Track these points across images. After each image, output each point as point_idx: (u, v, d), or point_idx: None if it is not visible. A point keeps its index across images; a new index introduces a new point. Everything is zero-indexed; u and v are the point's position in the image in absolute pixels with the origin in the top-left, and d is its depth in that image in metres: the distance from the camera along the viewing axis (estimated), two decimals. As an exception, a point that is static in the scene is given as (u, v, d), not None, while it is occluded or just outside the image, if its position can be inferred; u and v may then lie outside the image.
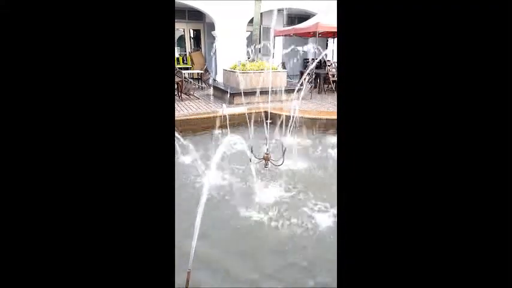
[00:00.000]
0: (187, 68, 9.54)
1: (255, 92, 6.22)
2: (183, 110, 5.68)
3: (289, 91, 6.52)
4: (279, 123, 4.23)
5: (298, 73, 8.37)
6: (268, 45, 9.24)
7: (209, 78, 8.06)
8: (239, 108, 5.37)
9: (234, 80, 6.61)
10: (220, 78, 8.54)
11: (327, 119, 4.85)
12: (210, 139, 4.34)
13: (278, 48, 10.65)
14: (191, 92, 6.83)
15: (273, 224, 2.33)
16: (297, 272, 1.85)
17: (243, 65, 6.66)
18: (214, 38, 9.09)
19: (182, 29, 10.25)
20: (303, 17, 10.04)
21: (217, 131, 4.70)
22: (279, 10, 8.62)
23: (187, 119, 4.73)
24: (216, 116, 4.84)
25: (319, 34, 7.81)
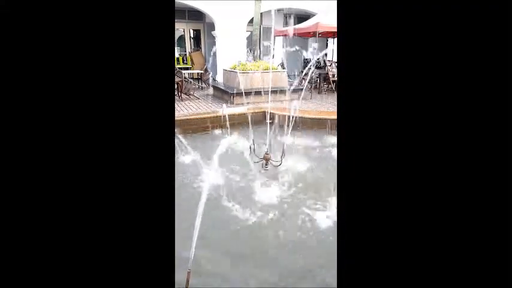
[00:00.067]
0: (187, 68, 9.55)
1: (255, 92, 6.22)
2: (183, 110, 5.68)
3: (289, 91, 6.52)
4: (279, 123, 4.24)
5: (298, 73, 8.38)
6: (268, 45, 9.25)
7: (209, 78, 8.07)
8: (239, 108, 5.37)
9: (234, 80, 6.61)
10: (220, 78, 8.54)
11: (326, 119, 4.85)
12: (210, 139, 4.34)
13: (278, 48, 10.65)
14: (191, 92, 6.84)
15: (273, 223, 2.33)
16: (296, 272, 1.85)
17: (243, 65, 6.66)
18: (214, 38, 9.08)
19: (182, 29, 10.25)
20: (303, 17, 10.04)
21: (217, 131, 4.70)
22: (278, 10, 8.63)
23: (187, 119, 4.72)
24: (216, 116, 4.84)
25: (319, 34, 7.81)
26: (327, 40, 10.76)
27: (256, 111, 5.14)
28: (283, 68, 7.54)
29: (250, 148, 3.13)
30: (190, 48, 10.62)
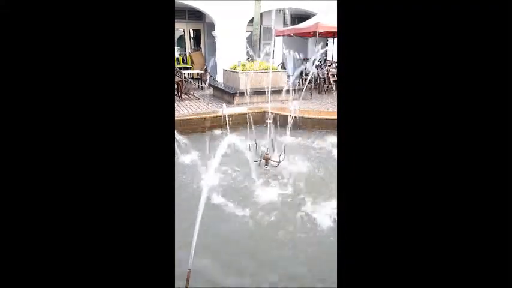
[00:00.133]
0: (187, 68, 9.55)
1: (255, 92, 6.22)
2: (183, 110, 5.68)
3: (289, 91, 6.51)
4: (278, 123, 4.24)
5: (298, 73, 8.37)
6: (268, 45, 9.25)
7: (207, 79, 8.07)
8: (239, 108, 5.37)
9: (234, 80, 6.61)
10: (220, 78, 8.54)
11: (326, 119, 4.85)
12: (210, 139, 4.34)
13: (278, 48, 10.65)
14: (191, 92, 6.83)
15: (273, 223, 2.33)
16: (296, 272, 1.85)
17: (243, 65, 6.66)
18: (214, 38, 9.08)
19: (182, 29, 10.25)
20: (303, 17, 10.04)
21: (217, 131, 4.70)
22: (279, 10, 8.63)
23: (187, 119, 4.72)
24: (216, 116, 4.84)
25: (319, 34, 7.81)
26: (327, 40, 10.76)
27: (256, 111, 5.14)
28: (284, 68, 7.53)
29: (249, 148, 3.13)
30: (190, 48, 10.61)
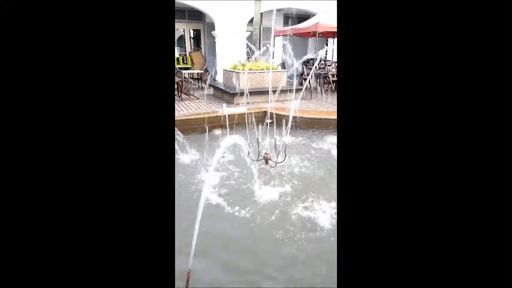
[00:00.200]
0: (187, 68, 9.55)
1: (255, 92, 6.22)
2: (183, 110, 5.68)
3: (289, 91, 6.52)
4: (278, 123, 4.23)
5: (298, 73, 8.37)
6: (268, 46, 9.24)
7: (207, 79, 8.07)
8: (239, 108, 5.37)
9: (234, 80, 6.61)
10: (220, 78, 8.54)
11: (327, 119, 4.85)
12: (209, 139, 4.34)
13: (278, 48, 10.65)
14: (191, 92, 6.84)
15: (273, 223, 2.33)
16: (296, 272, 1.85)
17: (243, 65, 6.66)
18: (214, 38, 9.08)
19: (182, 29, 10.25)
20: (303, 17, 10.04)
21: (217, 131, 4.70)
22: (278, 10, 8.62)
23: (187, 119, 4.73)
24: (216, 116, 4.84)
25: (319, 34, 7.82)
26: (327, 40, 10.76)
27: (256, 111, 5.14)
28: (284, 68, 7.54)
29: (249, 148, 3.13)
30: (190, 48, 10.62)
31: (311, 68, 7.17)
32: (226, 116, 4.27)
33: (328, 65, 8.16)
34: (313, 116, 4.96)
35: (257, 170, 3.00)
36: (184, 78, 6.88)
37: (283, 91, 6.42)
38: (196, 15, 9.71)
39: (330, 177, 3.17)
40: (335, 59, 9.03)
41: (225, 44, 8.79)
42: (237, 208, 2.50)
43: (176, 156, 3.54)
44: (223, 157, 3.50)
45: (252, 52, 6.96)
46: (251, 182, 2.95)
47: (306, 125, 4.80)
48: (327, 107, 6.11)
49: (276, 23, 10.42)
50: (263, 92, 6.27)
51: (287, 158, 3.09)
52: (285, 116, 4.53)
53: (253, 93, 6.18)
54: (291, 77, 7.57)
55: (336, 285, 0.88)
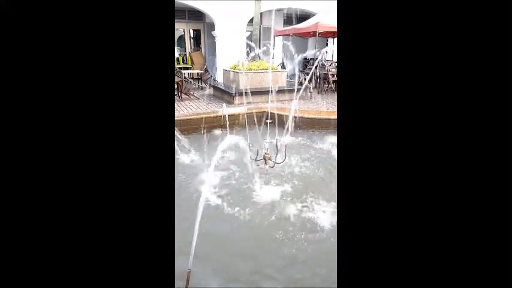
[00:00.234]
0: (187, 68, 9.55)
1: (255, 92, 6.22)
2: (183, 110, 5.68)
3: (289, 91, 6.52)
4: (278, 123, 4.24)
5: (298, 73, 8.37)
6: (268, 45, 9.25)
7: (208, 78, 8.07)
8: (239, 108, 5.37)
9: (234, 80, 6.61)
10: (220, 78, 8.54)
11: (327, 119, 4.85)
12: (209, 139, 4.34)
13: (278, 48, 10.65)
14: (191, 92, 6.83)
15: (273, 222, 2.33)
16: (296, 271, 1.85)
17: (243, 65, 6.66)
18: (214, 38, 9.08)
19: (182, 29, 10.25)
20: (303, 17, 10.04)
21: (217, 131, 4.70)
22: (278, 10, 8.62)
23: (187, 119, 4.73)
24: (216, 116, 4.84)
25: (319, 34, 7.81)
26: (327, 40, 10.76)
27: (256, 111, 5.14)
28: (284, 68, 7.54)
29: (249, 148, 3.13)
30: (190, 48, 10.61)
31: (311, 68, 7.17)
32: (227, 116, 4.27)
33: (328, 65, 8.16)
34: (313, 116, 4.96)
35: (257, 170, 3.00)
36: (184, 78, 6.88)
37: (283, 91, 6.42)
38: (196, 15, 9.71)
39: (330, 177, 3.17)
40: (335, 59, 9.03)
41: (225, 44, 8.79)
42: (237, 209, 2.50)
43: (176, 156, 3.54)
44: (222, 157, 3.50)
45: (252, 49, 6.96)
46: (251, 181, 2.95)
47: (306, 125, 4.80)
48: (327, 107, 6.11)
49: (276, 23, 10.42)
50: (263, 92, 6.26)
51: (287, 158, 3.09)
52: (284, 115, 4.54)
53: (253, 93, 6.18)
54: (291, 77, 7.56)
55: (336, 285, 0.88)
